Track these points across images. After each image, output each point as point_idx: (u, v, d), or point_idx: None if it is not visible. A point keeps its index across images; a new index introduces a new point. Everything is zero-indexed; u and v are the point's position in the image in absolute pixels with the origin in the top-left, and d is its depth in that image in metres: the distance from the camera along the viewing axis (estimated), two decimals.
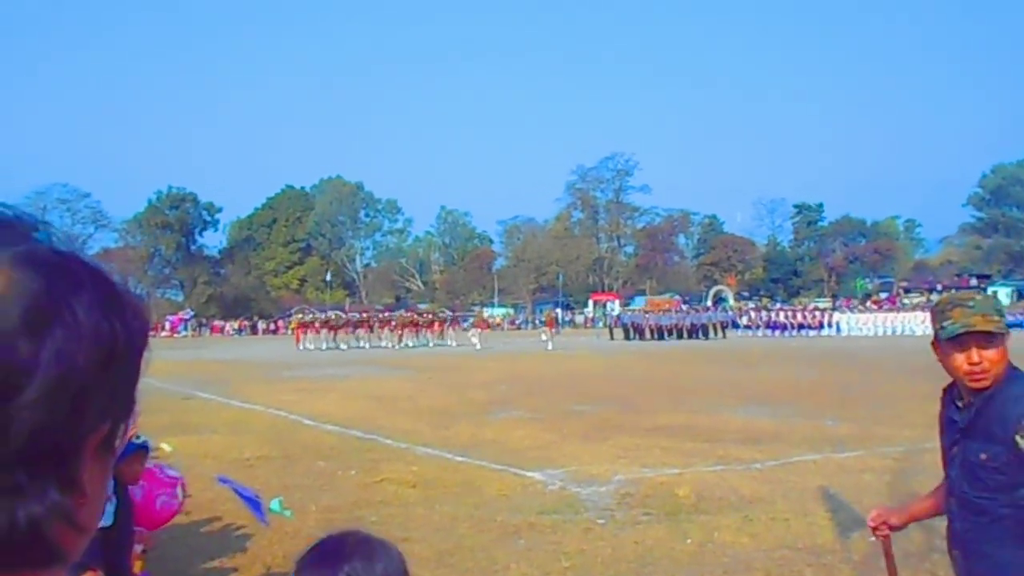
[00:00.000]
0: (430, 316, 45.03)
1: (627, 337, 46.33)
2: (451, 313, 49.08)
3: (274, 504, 4.81)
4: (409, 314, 45.21)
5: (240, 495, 4.72)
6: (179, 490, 4.32)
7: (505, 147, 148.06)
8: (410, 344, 41.21)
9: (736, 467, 9.07)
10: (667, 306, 60.79)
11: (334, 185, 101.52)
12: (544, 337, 38.23)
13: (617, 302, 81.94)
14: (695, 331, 46.79)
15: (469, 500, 7.78)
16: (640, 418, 13.10)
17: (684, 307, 57.91)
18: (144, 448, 3.65)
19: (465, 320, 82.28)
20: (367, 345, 40.95)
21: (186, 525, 6.77)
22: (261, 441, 11.25)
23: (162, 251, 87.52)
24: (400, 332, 42.23)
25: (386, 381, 21.04)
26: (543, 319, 51.27)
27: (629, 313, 53.54)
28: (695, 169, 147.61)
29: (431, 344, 41.48)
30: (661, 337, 46.00)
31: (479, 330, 40.85)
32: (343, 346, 39.72)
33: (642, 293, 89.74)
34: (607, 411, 14.08)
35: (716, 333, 47.76)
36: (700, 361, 27.59)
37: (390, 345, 40.61)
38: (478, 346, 37.45)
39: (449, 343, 41.69)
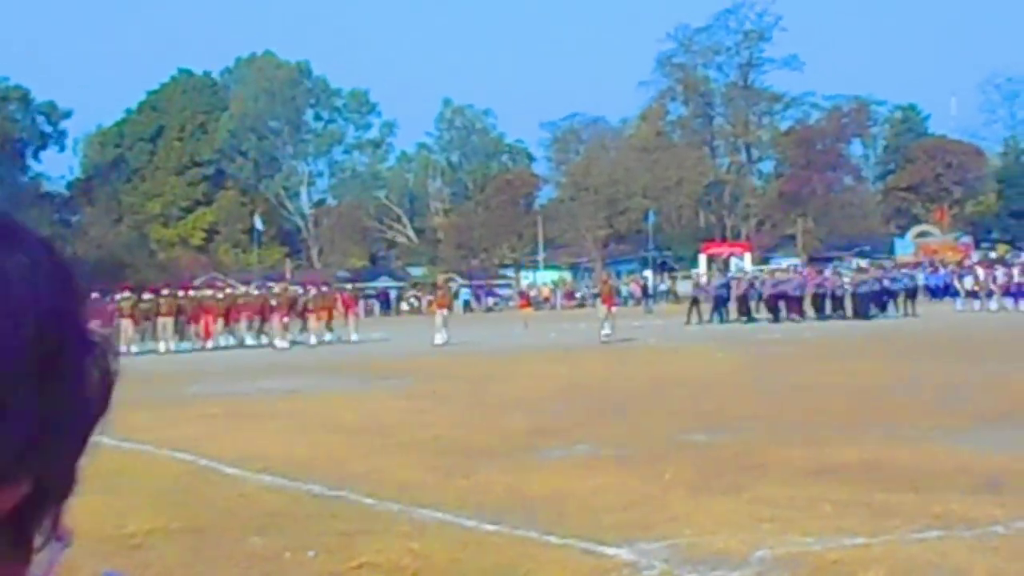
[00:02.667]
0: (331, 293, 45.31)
1: (744, 314, 47.37)
2: (458, 283, 49.19)
3: None
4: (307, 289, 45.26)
5: None
6: None
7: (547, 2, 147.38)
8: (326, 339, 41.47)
9: (963, 532, 9.03)
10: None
11: (260, 67, 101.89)
12: (607, 327, 38.07)
13: (748, 256, 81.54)
14: (863, 304, 46.71)
15: None
16: (794, 453, 13.04)
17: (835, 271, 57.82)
18: None
19: (484, 294, 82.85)
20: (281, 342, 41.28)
21: None
22: (153, 504, 11.36)
23: None
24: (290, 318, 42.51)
25: (361, 399, 21.12)
26: (596, 290, 51.26)
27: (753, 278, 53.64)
28: (876, 29, 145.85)
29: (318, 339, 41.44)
30: (800, 314, 46.72)
31: (443, 311, 39.87)
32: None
33: (790, 240, 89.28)
34: (737, 442, 14.05)
35: (903, 307, 47.68)
36: (889, 354, 27.37)
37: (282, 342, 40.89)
38: (437, 339, 37.24)
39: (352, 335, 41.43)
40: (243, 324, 43.33)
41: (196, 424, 17.67)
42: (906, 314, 46.87)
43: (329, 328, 42.76)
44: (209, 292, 46.73)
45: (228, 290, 47.89)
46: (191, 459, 14.31)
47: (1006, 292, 52.02)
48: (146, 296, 41.99)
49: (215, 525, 10.39)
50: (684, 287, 75.58)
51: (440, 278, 52.96)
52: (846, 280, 50.49)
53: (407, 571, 8.57)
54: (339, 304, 44.88)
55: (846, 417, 16.11)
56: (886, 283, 49.48)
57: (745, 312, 47.78)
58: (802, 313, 47.02)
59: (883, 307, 47.50)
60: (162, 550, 9.52)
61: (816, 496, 10.59)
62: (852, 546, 8.72)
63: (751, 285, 50.02)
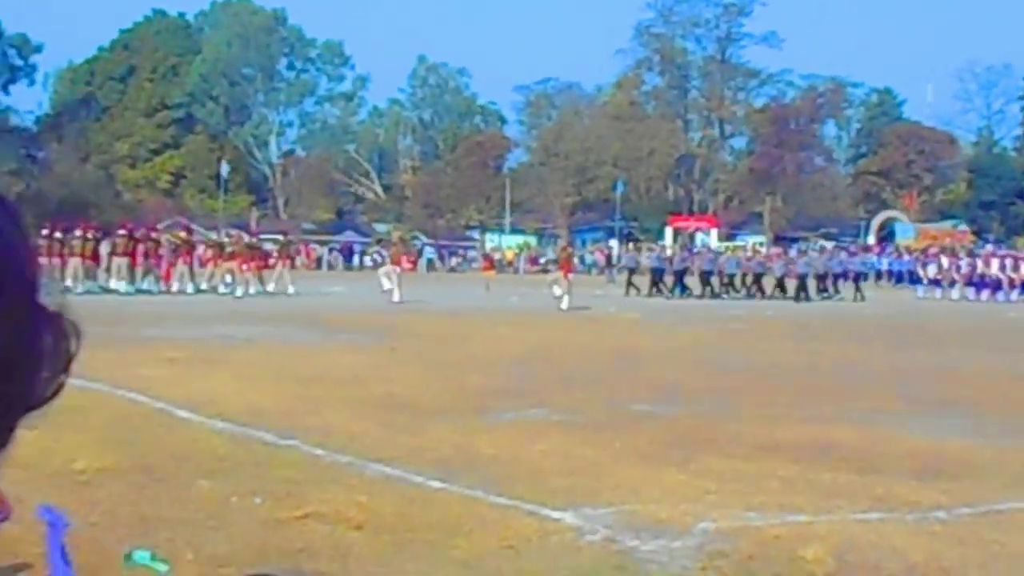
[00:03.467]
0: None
1: (676, 290, 47.95)
2: (423, 242, 49.06)
3: (139, 554, 4.92)
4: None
5: (53, 555, 4.81)
6: None
7: None
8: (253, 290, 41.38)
9: (904, 515, 9.14)
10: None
11: (236, 12, 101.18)
12: (557, 289, 38.05)
13: (714, 232, 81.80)
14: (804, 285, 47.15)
15: (453, 554, 7.87)
16: (744, 428, 13.15)
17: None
18: None
19: (448, 254, 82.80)
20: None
21: None
22: (104, 442, 11.37)
23: None
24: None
25: (317, 351, 21.16)
26: (556, 256, 51.17)
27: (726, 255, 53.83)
28: (856, 10, 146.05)
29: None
30: (747, 292, 47.49)
31: (396, 269, 39.57)
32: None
33: (758, 217, 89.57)
34: (690, 415, 14.14)
35: (855, 292, 48.12)
36: (847, 337, 27.59)
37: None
38: (395, 297, 37.10)
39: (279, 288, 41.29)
40: (198, 270, 43.11)
41: (151, 366, 17.64)
42: (856, 299, 47.17)
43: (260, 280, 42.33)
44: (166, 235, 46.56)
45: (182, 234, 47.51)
46: (145, 400, 14.30)
47: (968, 282, 52.43)
48: (95, 235, 41.75)
49: (164, 467, 10.42)
50: (647, 258, 75.72)
51: (395, 234, 52.64)
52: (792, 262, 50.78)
53: (353, 522, 8.61)
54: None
55: (799, 396, 16.24)
56: (834, 266, 49.67)
57: (674, 286, 48.09)
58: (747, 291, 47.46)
59: (825, 290, 47.70)
60: (110, 488, 9.54)
61: (763, 472, 10.68)
62: (795, 523, 8.80)
63: (683, 260, 50.33)
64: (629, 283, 48.95)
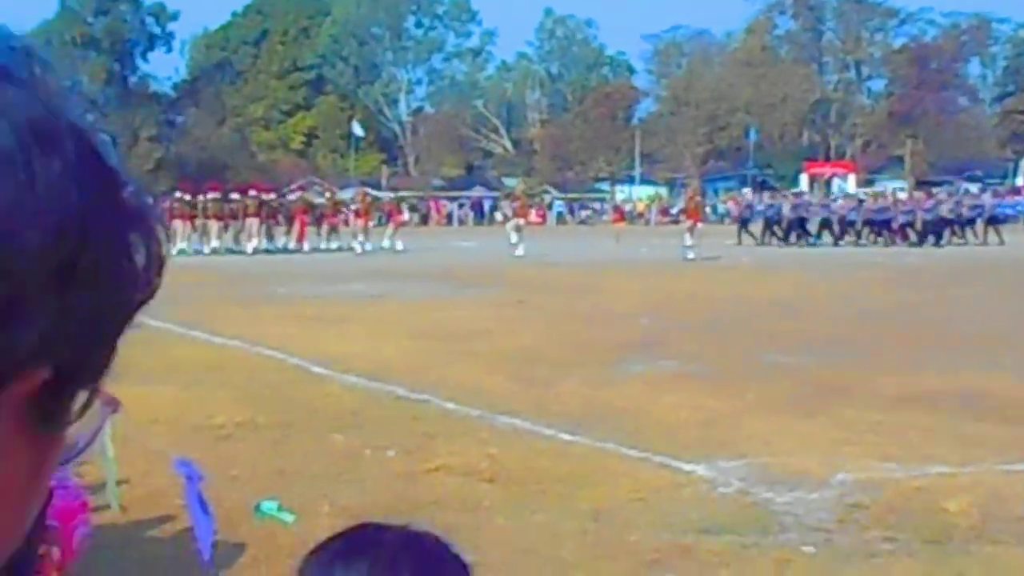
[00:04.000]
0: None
1: (786, 236, 47.06)
2: (552, 195, 48.91)
3: (266, 505, 4.96)
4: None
5: (193, 506, 4.87)
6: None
7: None
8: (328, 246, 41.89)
9: None
10: None
11: None
12: (685, 234, 37.92)
13: (852, 177, 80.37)
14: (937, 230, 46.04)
15: (582, 506, 7.88)
16: (881, 378, 12.96)
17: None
18: None
19: (578, 207, 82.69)
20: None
21: (122, 529, 7.06)
22: (241, 399, 11.59)
23: (82, 84, 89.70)
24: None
25: (448, 306, 21.34)
26: (684, 205, 50.37)
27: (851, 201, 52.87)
28: None
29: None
30: (889, 237, 46.26)
31: (520, 220, 39.56)
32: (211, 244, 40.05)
33: (898, 161, 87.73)
34: (823, 365, 13.98)
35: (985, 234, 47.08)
36: (986, 284, 26.94)
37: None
38: (518, 251, 37.12)
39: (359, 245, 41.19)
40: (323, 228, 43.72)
41: (285, 324, 17.95)
42: (984, 242, 46.22)
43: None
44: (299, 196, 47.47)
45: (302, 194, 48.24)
46: (280, 357, 14.56)
47: None
48: (234, 197, 42.43)
49: (299, 421, 10.62)
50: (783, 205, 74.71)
51: (519, 187, 52.49)
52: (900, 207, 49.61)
53: (483, 475, 8.67)
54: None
55: (938, 344, 15.96)
56: (958, 209, 48.32)
57: (792, 234, 47.20)
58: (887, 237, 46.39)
59: (939, 236, 46.63)
60: (248, 442, 9.76)
61: (902, 423, 10.53)
62: (937, 474, 8.67)
63: (799, 207, 49.45)
64: (741, 231, 48.34)
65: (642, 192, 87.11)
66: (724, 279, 28.33)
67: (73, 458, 0.69)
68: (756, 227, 48.34)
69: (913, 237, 45.90)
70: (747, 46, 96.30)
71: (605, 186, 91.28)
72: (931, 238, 45.35)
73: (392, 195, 49.27)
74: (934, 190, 68.10)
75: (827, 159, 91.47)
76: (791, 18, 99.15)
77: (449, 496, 8.17)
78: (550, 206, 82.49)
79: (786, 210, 48.49)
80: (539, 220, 76.79)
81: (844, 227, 47.22)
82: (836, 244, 45.83)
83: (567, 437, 9.93)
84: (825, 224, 47.67)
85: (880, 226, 46.94)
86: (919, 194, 59.64)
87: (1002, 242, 45.22)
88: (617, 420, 10.65)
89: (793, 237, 46.99)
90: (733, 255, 38.58)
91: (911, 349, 15.56)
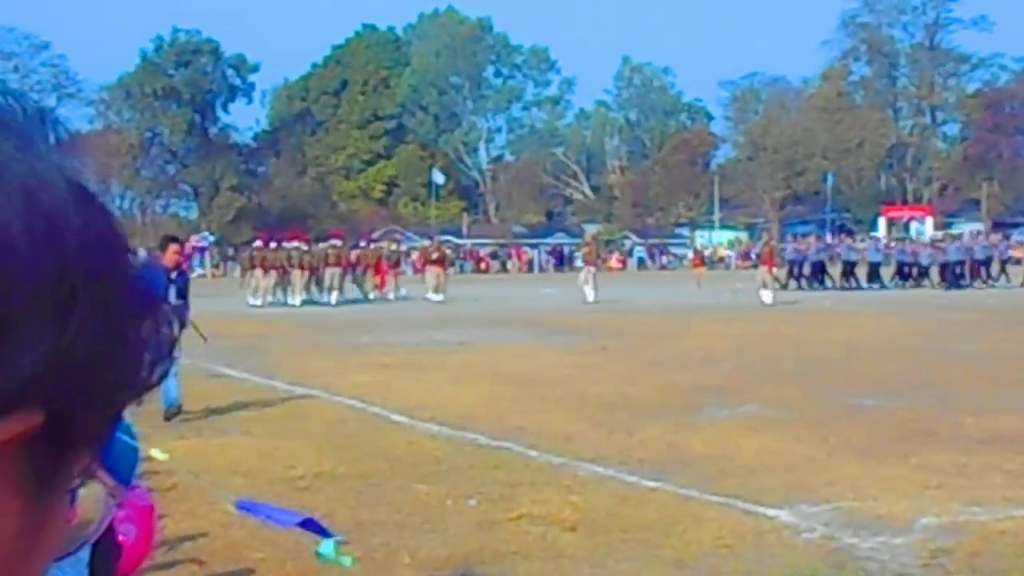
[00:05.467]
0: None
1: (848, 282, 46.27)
2: (631, 240, 48.92)
3: (324, 548, 4.98)
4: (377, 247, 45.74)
5: (273, 520, 4.90)
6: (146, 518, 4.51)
7: None
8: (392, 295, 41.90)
9: None
10: None
11: (443, 23, 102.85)
12: (759, 281, 37.68)
13: (929, 220, 79.80)
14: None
15: (666, 554, 7.82)
16: (966, 421, 12.80)
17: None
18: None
19: (659, 252, 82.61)
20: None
21: None
22: (322, 448, 11.64)
23: (163, 135, 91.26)
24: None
25: (530, 353, 21.28)
26: (759, 250, 49.96)
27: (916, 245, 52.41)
28: None
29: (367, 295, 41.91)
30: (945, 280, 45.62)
31: (591, 269, 39.32)
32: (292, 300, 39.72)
33: (974, 204, 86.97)
34: (907, 408, 13.85)
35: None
36: None
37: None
38: (589, 298, 37.02)
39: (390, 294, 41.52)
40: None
41: (366, 372, 18.02)
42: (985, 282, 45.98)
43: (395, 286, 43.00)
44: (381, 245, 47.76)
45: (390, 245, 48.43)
46: (360, 406, 14.61)
47: None
48: (319, 246, 42.48)
49: (381, 471, 10.61)
50: (860, 246, 74.25)
51: (588, 234, 52.53)
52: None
53: (567, 523, 8.62)
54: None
55: (1020, 386, 15.71)
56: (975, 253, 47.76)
57: (818, 278, 46.86)
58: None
59: (978, 276, 46.47)
60: (328, 493, 9.75)
61: (987, 465, 10.38)
62: (1022, 517, 8.52)
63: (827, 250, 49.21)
64: (790, 275, 47.28)
65: (722, 237, 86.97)
66: (805, 323, 28.14)
67: (79, 547, 0.67)
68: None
69: (936, 278, 45.69)
70: (823, 92, 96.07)
71: (685, 231, 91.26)
72: (952, 280, 44.94)
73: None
74: (1014, 231, 67.34)
75: (904, 203, 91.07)
76: (866, 64, 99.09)
77: (532, 545, 8.12)
78: (631, 252, 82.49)
79: (811, 254, 48.04)
80: (619, 266, 76.80)
81: (872, 269, 46.96)
82: (859, 287, 45.40)
83: (650, 484, 9.87)
84: (850, 267, 47.20)
85: (906, 268, 46.75)
86: (995, 236, 59.10)
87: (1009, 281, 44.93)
88: (700, 466, 10.58)
89: (816, 281, 46.58)
90: (814, 299, 38.35)
91: (991, 390, 15.38)
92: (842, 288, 45.31)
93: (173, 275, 13.49)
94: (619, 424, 12.94)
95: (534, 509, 9.01)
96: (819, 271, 47.18)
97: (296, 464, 10.81)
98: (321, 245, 41.94)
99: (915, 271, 46.96)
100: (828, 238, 69.62)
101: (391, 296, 41.53)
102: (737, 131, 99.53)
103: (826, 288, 45.37)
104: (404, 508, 9.21)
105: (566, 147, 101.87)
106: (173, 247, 14.23)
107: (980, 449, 11.16)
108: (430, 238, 52.71)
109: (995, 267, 47.93)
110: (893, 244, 51.60)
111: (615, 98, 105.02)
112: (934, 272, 46.51)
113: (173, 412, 13.14)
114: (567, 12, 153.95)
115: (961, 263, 46.41)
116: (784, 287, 44.68)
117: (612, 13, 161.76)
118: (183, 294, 13.71)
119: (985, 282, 46.04)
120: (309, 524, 4.84)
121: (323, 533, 4.87)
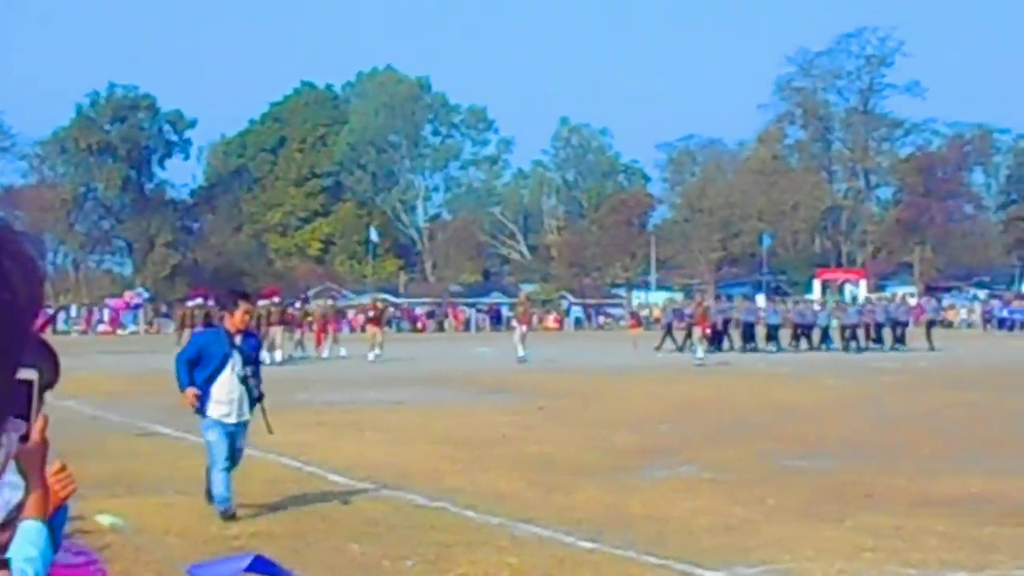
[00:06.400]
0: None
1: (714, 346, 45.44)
2: (568, 300, 49.04)
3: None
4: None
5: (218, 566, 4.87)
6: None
7: (664, 19, 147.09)
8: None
9: None
10: None
11: (382, 82, 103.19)
12: (695, 342, 37.78)
13: (863, 283, 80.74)
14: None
15: None
16: (901, 483, 12.90)
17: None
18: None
19: (595, 313, 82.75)
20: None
21: None
22: (257, 508, 11.53)
23: (98, 191, 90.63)
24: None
25: (466, 413, 21.28)
26: (691, 311, 50.11)
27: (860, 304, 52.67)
28: (1000, 56, 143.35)
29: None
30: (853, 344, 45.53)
31: (522, 328, 39.43)
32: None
33: (907, 268, 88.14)
34: (843, 470, 13.93)
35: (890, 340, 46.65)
36: (1001, 386, 26.85)
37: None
38: (519, 353, 37.18)
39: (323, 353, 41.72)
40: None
41: (303, 431, 17.88)
42: (892, 348, 45.77)
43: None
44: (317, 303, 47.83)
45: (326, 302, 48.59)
46: (297, 465, 14.51)
47: None
48: (260, 303, 42.24)
49: (317, 531, 10.53)
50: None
51: (521, 294, 52.48)
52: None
53: None
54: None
55: (955, 448, 15.91)
56: (879, 315, 48.01)
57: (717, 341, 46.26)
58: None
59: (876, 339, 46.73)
60: (264, 553, 9.64)
61: (921, 527, 10.44)
62: None
63: (720, 311, 48.79)
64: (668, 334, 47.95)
65: (658, 297, 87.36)
66: (740, 385, 28.26)
67: None
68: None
69: (837, 343, 45.74)
70: (759, 155, 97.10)
71: (622, 291, 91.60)
72: (852, 343, 45.09)
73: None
74: (945, 296, 68.20)
75: (839, 265, 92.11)
76: (801, 128, 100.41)
77: None
78: (568, 312, 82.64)
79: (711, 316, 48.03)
80: (556, 326, 76.88)
81: (770, 331, 46.90)
82: (753, 350, 45.30)
83: (588, 545, 9.84)
84: (737, 327, 47.17)
85: (804, 330, 46.97)
86: (926, 299, 59.71)
87: (932, 348, 44.82)
88: (638, 527, 10.57)
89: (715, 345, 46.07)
90: (747, 361, 38.61)
91: (924, 452, 15.48)
92: (741, 351, 45.25)
93: (238, 339, 11.23)
94: (556, 484, 12.92)
95: (471, 570, 8.98)
96: (718, 333, 46.42)
97: (231, 524, 10.71)
98: (262, 303, 41.63)
99: (814, 333, 46.99)
100: (761, 300, 70.27)
101: (325, 355, 41.42)
102: (674, 192, 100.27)
103: (722, 351, 44.96)
104: (341, 569, 9.14)
105: (503, 206, 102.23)
106: (244, 305, 11.50)
107: (915, 512, 11.22)
108: (367, 296, 52.78)
109: (911, 330, 48.02)
110: (791, 306, 51.78)
111: (553, 158, 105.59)
112: (835, 335, 46.70)
113: (229, 515, 10.84)
114: (506, 72, 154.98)
115: (858, 326, 46.43)
116: (680, 349, 44.82)
117: (551, 74, 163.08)
118: (252, 360, 11.53)
119: (894, 346, 46.02)
120: (259, 564, 4.80)
121: (275, 572, 4.84)
